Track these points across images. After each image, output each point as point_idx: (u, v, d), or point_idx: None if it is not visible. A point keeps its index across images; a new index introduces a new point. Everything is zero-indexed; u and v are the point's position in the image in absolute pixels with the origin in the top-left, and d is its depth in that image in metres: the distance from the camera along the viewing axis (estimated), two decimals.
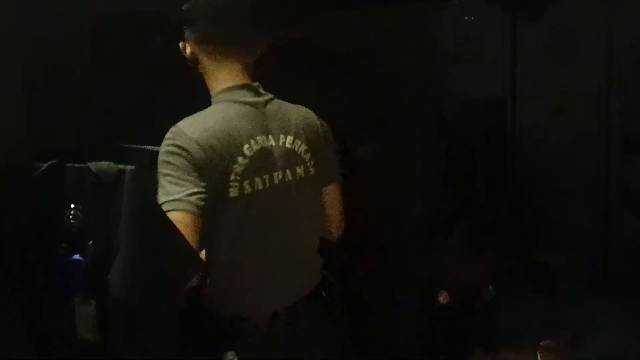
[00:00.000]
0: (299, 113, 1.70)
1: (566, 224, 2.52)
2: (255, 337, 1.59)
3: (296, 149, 1.64)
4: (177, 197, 1.47)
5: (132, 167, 1.45)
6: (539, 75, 2.61)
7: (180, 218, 1.46)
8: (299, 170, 1.63)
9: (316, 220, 1.73)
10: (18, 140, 1.77)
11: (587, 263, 2.51)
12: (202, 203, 1.48)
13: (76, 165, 1.52)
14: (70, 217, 1.54)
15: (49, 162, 1.55)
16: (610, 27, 2.53)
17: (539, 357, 1.94)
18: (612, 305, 1.93)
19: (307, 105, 1.77)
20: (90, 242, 1.52)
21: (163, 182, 1.51)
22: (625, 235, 2.51)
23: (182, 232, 1.44)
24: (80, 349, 1.57)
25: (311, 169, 1.67)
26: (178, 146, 1.52)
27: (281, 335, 1.61)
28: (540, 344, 1.94)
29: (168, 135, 1.57)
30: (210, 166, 1.52)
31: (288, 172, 1.62)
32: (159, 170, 1.53)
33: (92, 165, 1.49)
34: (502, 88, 2.64)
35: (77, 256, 1.55)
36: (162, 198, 1.50)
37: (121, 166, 1.46)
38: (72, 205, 1.53)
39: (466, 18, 2.64)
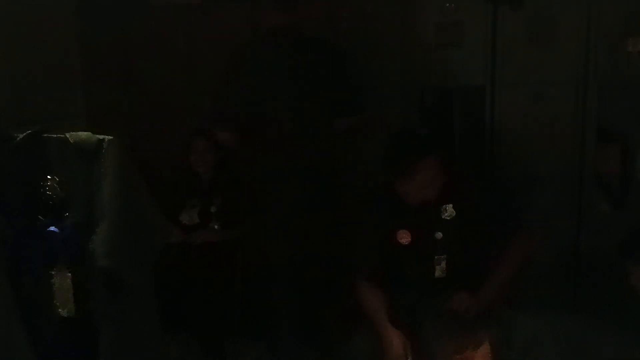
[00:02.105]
0: None
1: (540, 209, 2.57)
2: None
3: None
4: None
5: (111, 137, 1.44)
6: (518, 62, 2.63)
7: None
8: None
9: None
10: None
11: (559, 247, 2.57)
12: None
13: (54, 135, 1.51)
14: (48, 188, 1.52)
15: (26, 132, 1.52)
16: (589, 16, 2.56)
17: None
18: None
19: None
20: (67, 213, 1.51)
21: None
22: (597, 221, 2.57)
23: None
24: (59, 323, 1.56)
25: None
26: None
27: None
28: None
29: None
30: None
31: None
32: None
33: (70, 136, 1.48)
34: (482, 75, 2.67)
35: (53, 228, 1.54)
36: None
37: (100, 136, 1.45)
38: (49, 177, 1.52)
39: (447, 5, 2.66)
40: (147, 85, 2.93)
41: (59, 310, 1.56)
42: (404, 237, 2.14)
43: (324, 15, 2.74)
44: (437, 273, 2.13)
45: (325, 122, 2.51)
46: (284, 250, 2.52)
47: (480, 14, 2.64)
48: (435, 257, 2.14)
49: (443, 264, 2.13)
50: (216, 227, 2.75)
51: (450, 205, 2.12)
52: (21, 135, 1.51)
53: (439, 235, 2.13)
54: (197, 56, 2.93)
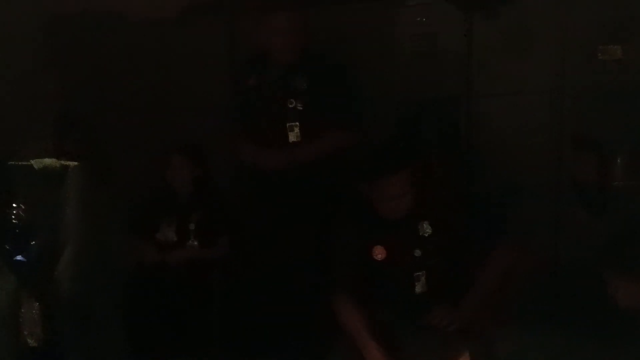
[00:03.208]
0: None
1: (518, 218, 2.57)
2: None
3: None
4: None
5: (76, 163, 1.43)
6: (494, 72, 2.64)
7: None
8: None
9: None
10: None
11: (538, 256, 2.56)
12: None
13: (18, 163, 1.49)
14: (13, 216, 1.50)
15: None
16: (564, 26, 2.58)
17: None
18: None
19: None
20: (34, 242, 1.49)
21: None
22: (575, 229, 2.57)
23: None
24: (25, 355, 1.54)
25: None
26: None
27: None
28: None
29: None
30: None
31: None
32: None
33: (35, 162, 1.47)
34: (457, 85, 2.68)
35: (20, 257, 1.51)
36: None
37: (64, 162, 1.45)
38: (15, 205, 1.49)
39: (418, 19, 2.69)
40: (123, 101, 2.90)
41: (28, 340, 1.53)
42: (379, 254, 2.13)
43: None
44: (418, 289, 2.12)
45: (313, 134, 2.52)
46: (264, 267, 2.49)
47: (455, 24, 2.66)
48: (415, 274, 2.12)
49: (423, 280, 2.12)
50: (194, 244, 2.71)
51: (427, 222, 2.11)
52: None
53: (418, 252, 2.12)
54: (173, 71, 2.92)
